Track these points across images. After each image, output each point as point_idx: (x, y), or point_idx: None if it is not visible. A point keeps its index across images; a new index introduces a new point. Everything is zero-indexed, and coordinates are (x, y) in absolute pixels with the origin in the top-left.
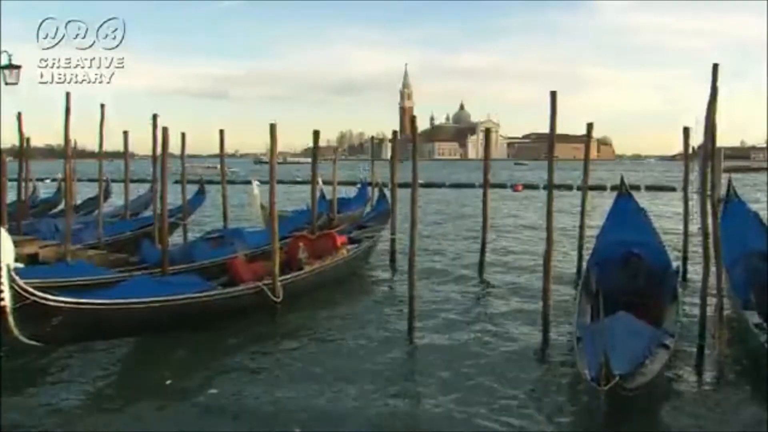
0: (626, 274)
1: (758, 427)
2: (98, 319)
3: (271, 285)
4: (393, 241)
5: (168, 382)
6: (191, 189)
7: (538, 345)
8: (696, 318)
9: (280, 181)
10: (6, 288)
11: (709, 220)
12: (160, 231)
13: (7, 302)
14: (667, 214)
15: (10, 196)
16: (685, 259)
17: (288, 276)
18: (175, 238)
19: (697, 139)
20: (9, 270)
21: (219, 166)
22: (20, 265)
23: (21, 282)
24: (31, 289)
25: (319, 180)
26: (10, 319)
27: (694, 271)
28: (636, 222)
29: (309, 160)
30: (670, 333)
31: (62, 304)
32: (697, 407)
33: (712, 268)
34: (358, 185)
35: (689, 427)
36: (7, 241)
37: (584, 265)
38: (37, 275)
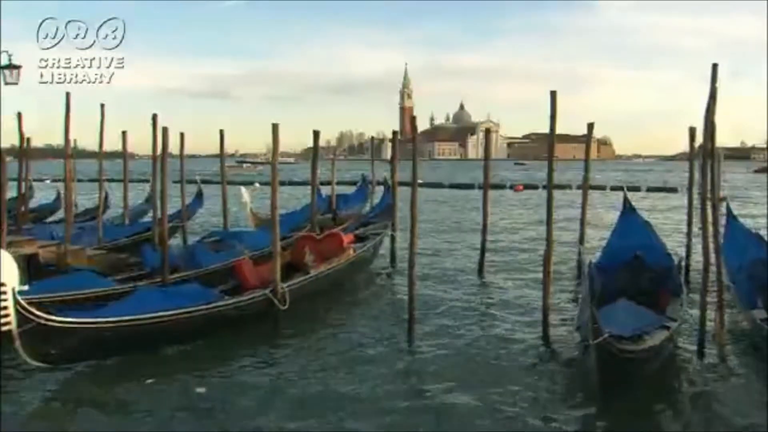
0: (631, 275)
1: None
2: (106, 337)
3: (274, 293)
4: (393, 239)
5: (149, 381)
6: (190, 190)
7: (538, 343)
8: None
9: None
10: (12, 311)
11: (710, 216)
12: (160, 236)
13: (13, 326)
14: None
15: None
16: (688, 257)
17: (295, 281)
18: (174, 241)
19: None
20: (14, 293)
21: (256, 165)
22: (25, 288)
23: (26, 304)
24: (36, 311)
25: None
26: (17, 342)
27: (697, 269)
28: (639, 230)
29: (291, 160)
30: (672, 318)
31: (68, 324)
32: (696, 398)
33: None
34: (359, 183)
35: (685, 415)
36: (11, 263)
37: (585, 266)
38: (39, 290)
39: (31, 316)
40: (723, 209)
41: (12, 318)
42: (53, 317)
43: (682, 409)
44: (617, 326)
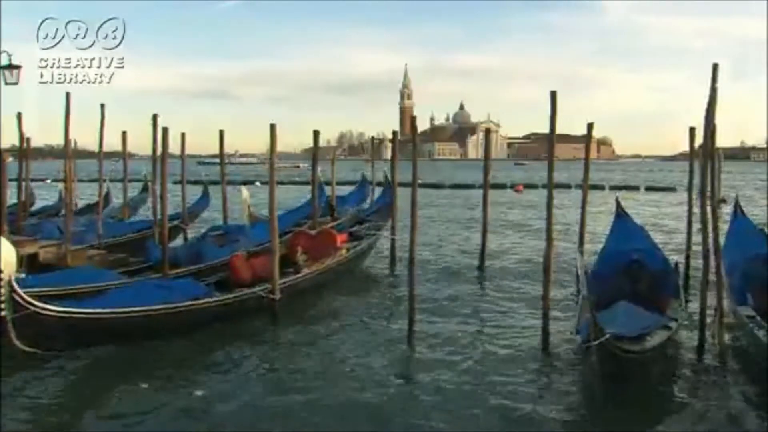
0: (629, 280)
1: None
2: (97, 327)
3: (268, 289)
4: (393, 242)
5: (144, 386)
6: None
7: (538, 344)
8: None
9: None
10: (6, 298)
11: (709, 217)
12: (161, 234)
13: (7, 312)
14: None
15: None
16: (688, 258)
17: (287, 279)
18: (176, 242)
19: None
20: (10, 281)
21: (300, 166)
22: (22, 276)
23: (21, 292)
24: (29, 299)
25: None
26: (9, 328)
27: (696, 269)
28: (635, 235)
29: (254, 160)
30: (672, 318)
31: (60, 314)
32: (694, 397)
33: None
34: (358, 182)
35: (686, 414)
36: (9, 251)
37: (584, 267)
38: (40, 284)
39: (25, 304)
40: (725, 209)
41: (6, 305)
42: (46, 306)
43: (680, 412)
44: (618, 327)
